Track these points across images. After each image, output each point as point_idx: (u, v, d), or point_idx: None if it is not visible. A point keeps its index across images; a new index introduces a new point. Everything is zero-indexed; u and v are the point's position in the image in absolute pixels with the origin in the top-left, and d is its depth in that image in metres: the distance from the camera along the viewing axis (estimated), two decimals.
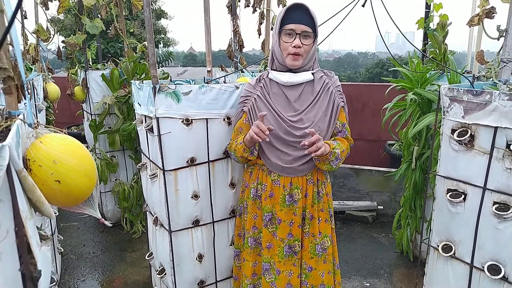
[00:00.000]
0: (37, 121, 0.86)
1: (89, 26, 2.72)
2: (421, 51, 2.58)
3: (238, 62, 2.48)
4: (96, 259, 2.89)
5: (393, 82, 2.74)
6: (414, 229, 2.72)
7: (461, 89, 1.57)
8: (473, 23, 1.91)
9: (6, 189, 0.61)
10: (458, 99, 1.58)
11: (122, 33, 2.92)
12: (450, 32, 2.45)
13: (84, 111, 3.34)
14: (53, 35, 2.91)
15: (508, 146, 1.44)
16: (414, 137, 2.58)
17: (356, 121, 4.36)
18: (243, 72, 2.46)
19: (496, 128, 1.46)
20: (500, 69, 1.61)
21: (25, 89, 0.84)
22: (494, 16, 1.85)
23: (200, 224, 1.89)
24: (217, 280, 2.02)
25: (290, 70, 1.61)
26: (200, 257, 1.92)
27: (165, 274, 1.96)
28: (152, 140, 1.82)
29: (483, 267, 1.56)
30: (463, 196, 1.62)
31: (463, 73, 2.44)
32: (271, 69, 1.67)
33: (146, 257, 2.16)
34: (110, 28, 2.99)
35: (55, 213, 1.95)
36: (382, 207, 3.57)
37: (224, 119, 1.81)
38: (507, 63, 1.56)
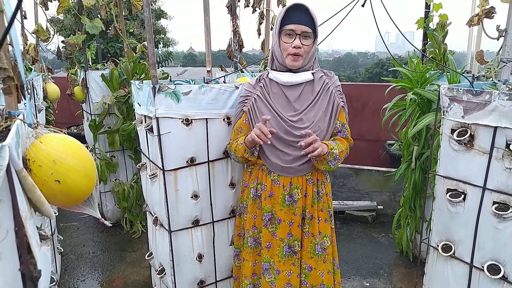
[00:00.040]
0: (37, 121, 0.86)
1: (89, 26, 2.72)
2: (421, 51, 2.58)
3: (238, 62, 2.48)
4: (96, 259, 2.89)
5: (393, 82, 2.74)
6: (414, 229, 2.72)
7: (460, 89, 1.57)
8: (472, 23, 1.92)
9: (6, 189, 0.61)
10: (457, 99, 1.59)
11: (121, 33, 2.92)
12: (449, 32, 2.46)
13: (83, 111, 3.34)
14: (53, 35, 2.91)
15: (507, 146, 1.44)
16: (414, 137, 2.58)
17: (356, 121, 4.36)
18: (243, 72, 2.46)
19: (495, 128, 1.46)
20: (499, 69, 1.61)
21: (25, 89, 0.84)
22: (493, 16, 1.85)
23: (200, 224, 1.89)
24: (217, 280, 2.02)
25: (290, 70, 1.61)
26: (200, 257, 1.92)
27: (165, 274, 1.96)
28: (152, 140, 1.82)
29: (483, 266, 1.56)
30: (462, 196, 1.62)
31: (463, 73, 2.44)
32: (271, 69, 1.67)
33: (146, 257, 2.16)
34: (110, 28, 2.99)
35: (55, 213, 1.95)
36: (382, 207, 3.57)
37: (224, 119, 1.81)
38: (506, 63, 1.56)
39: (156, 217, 1.96)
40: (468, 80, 1.76)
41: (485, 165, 1.52)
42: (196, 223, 1.88)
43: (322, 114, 1.61)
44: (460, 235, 1.66)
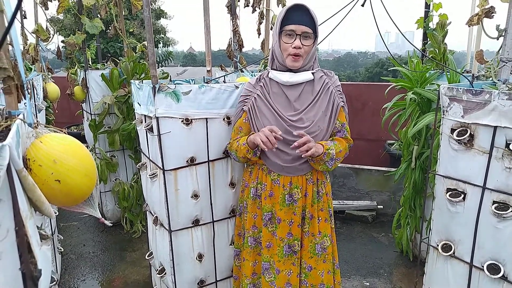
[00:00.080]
0: (37, 121, 0.86)
1: (89, 26, 2.72)
2: (421, 51, 2.58)
3: (238, 61, 2.48)
4: (96, 259, 2.89)
5: (393, 82, 2.74)
6: (413, 229, 2.73)
7: (460, 88, 1.57)
8: (472, 22, 1.92)
9: (7, 188, 0.62)
10: (457, 99, 1.59)
11: (121, 32, 2.92)
12: (449, 32, 2.46)
13: (83, 111, 3.34)
14: (53, 35, 2.91)
15: (507, 145, 1.44)
16: (414, 137, 2.58)
17: (356, 121, 4.36)
18: (243, 71, 2.46)
19: (495, 127, 1.46)
20: (499, 68, 1.61)
21: (25, 89, 0.84)
22: (493, 15, 1.85)
23: (200, 223, 1.89)
24: (217, 279, 2.02)
25: (290, 70, 1.61)
26: (200, 256, 1.92)
27: (165, 273, 1.96)
28: (152, 139, 1.82)
29: (483, 266, 1.56)
30: (462, 195, 1.62)
31: (463, 72, 2.44)
32: (271, 69, 1.67)
33: (146, 257, 2.16)
34: (110, 28, 2.99)
35: (55, 213, 1.95)
36: (381, 206, 3.57)
37: (224, 119, 1.81)
38: (506, 63, 1.56)
39: (156, 216, 1.96)
40: (468, 79, 1.76)
41: (485, 164, 1.52)
42: (196, 222, 1.88)
43: (322, 114, 1.61)
44: (460, 235, 1.66)
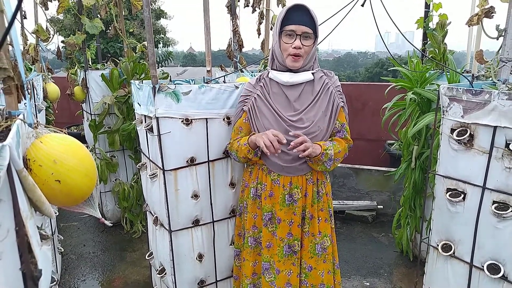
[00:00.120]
0: (37, 121, 0.86)
1: (89, 26, 2.72)
2: (421, 51, 2.58)
3: (238, 62, 2.48)
4: (96, 259, 2.89)
5: (393, 82, 2.74)
6: (413, 229, 2.73)
7: (460, 88, 1.58)
8: (472, 22, 1.92)
9: (7, 188, 0.62)
10: (457, 99, 1.59)
11: (121, 33, 2.92)
12: (449, 32, 2.46)
13: (83, 111, 3.34)
14: (53, 35, 2.91)
15: (507, 145, 1.44)
16: (414, 137, 2.58)
17: (356, 121, 4.36)
18: (243, 72, 2.46)
19: (495, 127, 1.46)
20: (499, 68, 1.61)
21: (25, 89, 0.84)
22: (493, 15, 1.85)
23: (200, 223, 1.89)
24: (217, 279, 2.03)
25: (290, 70, 1.61)
26: (200, 256, 1.92)
27: (165, 273, 1.96)
28: (152, 140, 1.82)
29: (483, 266, 1.56)
30: (462, 195, 1.62)
31: (463, 72, 2.44)
32: (271, 69, 1.67)
33: (146, 257, 2.16)
34: (110, 28, 2.99)
35: (55, 213, 1.96)
36: (382, 206, 3.57)
37: (223, 119, 1.81)
38: (506, 63, 1.56)
39: (156, 217, 1.96)
40: (468, 79, 1.76)
41: (484, 164, 1.52)
42: (196, 222, 1.88)
43: (322, 114, 1.61)
44: (460, 235, 1.66)
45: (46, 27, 2.84)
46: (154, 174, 1.85)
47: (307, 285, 1.69)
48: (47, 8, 2.83)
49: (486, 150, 1.51)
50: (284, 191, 1.63)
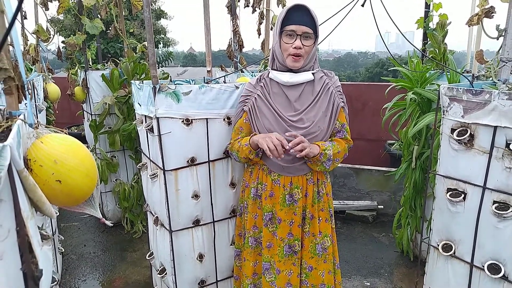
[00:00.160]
0: (38, 121, 0.87)
1: (89, 27, 2.73)
2: (421, 51, 2.58)
3: (238, 62, 2.49)
4: (96, 259, 2.89)
5: (393, 82, 2.74)
6: (414, 229, 2.73)
7: (460, 88, 1.58)
8: (472, 22, 1.92)
9: (8, 189, 0.62)
10: (457, 99, 1.59)
11: (122, 33, 2.93)
12: (449, 32, 2.46)
13: (84, 111, 3.34)
14: (53, 36, 2.91)
15: (507, 145, 1.44)
16: (414, 137, 2.58)
17: (356, 121, 4.36)
18: (243, 72, 2.46)
19: (495, 127, 1.46)
20: (499, 68, 1.61)
21: (26, 89, 0.84)
22: (493, 15, 1.85)
23: (200, 223, 1.89)
24: (218, 279, 2.03)
25: (291, 70, 1.61)
26: (201, 256, 1.92)
27: (166, 273, 1.96)
28: (152, 140, 1.82)
29: (483, 266, 1.56)
30: (463, 195, 1.62)
31: (463, 72, 2.44)
32: (272, 69, 1.67)
33: (146, 257, 2.16)
34: (110, 28, 3.00)
35: (56, 213, 1.95)
36: (382, 206, 3.57)
37: (224, 119, 1.81)
38: (506, 63, 1.56)
39: (157, 217, 1.96)
40: (468, 79, 1.76)
41: (485, 164, 1.52)
42: (196, 223, 1.88)
43: (322, 114, 1.61)
44: (460, 235, 1.66)
45: (47, 28, 2.84)
46: (155, 174, 1.86)
47: (308, 285, 1.69)
48: (47, 9, 2.84)
49: (486, 150, 1.51)
50: (284, 191, 1.63)
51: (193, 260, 1.91)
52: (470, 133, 1.55)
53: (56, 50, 3.17)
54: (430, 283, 1.86)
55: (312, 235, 1.67)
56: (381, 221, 3.48)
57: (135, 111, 1.99)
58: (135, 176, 3.22)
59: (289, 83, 1.61)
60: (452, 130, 1.62)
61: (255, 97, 1.67)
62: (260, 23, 2.62)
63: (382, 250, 3.01)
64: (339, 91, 1.68)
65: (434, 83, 2.47)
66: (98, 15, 3.00)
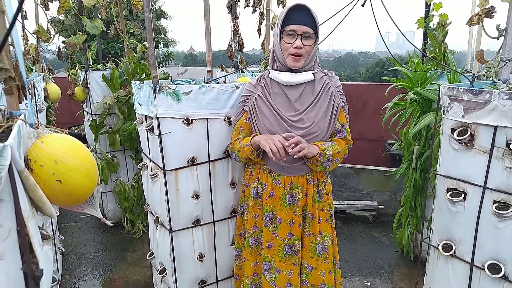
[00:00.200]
0: (38, 121, 0.87)
1: (89, 27, 2.73)
2: (421, 51, 2.58)
3: (238, 62, 2.49)
4: (97, 259, 2.89)
5: (393, 82, 2.74)
6: (414, 228, 2.73)
7: (461, 88, 1.58)
8: (472, 22, 1.92)
9: (8, 189, 0.62)
10: (458, 99, 1.59)
11: (122, 33, 2.93)
12: (450, 32, 2.46)
13: (84, 111, 3.34)
14: (54, 36, 2.91)
15: (508, 145, 1.44)
16: (414, 137, 2.58)
17: (357, 121, 4.36)
18: (243, 72, 2.46)
19: (496, 127, 1.46)
20: (500, 68, 1.61)
21: (26, 89, 0.84)
22: (493, 15, 1.85)
23: (201, 223, 1.89)
24: (218, 279, 2.03)
25: (291, 70, 1.61)
26: (201, 256, 1.92)
27: (166, 273, 1.96)
28: (152, 140, 1.82)
29: (483, 266, 1.56)
30: (463, 195, 1.62)
31: (463, 72, 2.44)
32: (272, 69, 1.67)
33: (147, 257, 2.16)
34: (110, 28, 3.00)
35: (56, 213, 1.96)
36: (382, 206, 3.57)
37: (224, 119, 1.81)
38: (506, 62, 1.56)
39: (157, 217, 1.96)
40: (468, 79, 1.76)
41: (485, 164, 1.52)
42: (197, 222, 1.88)
43: (322, 114, 1.61)
44: (460, 235, 1.66)
45: (47, 28, 2.84)
46: (155, 174, 1.86)
47: (308, 285, 1.69)
48: (47, 9, 2.84)
49: (486, 150, 1.51)
50: (284, 191, 1.63)
51: (193, 260, 1.91)
52: (471, 133, 1.55)
53: (57, 50, 3.17)
54: (430, 283, 1.86)
55: (312, 235, 1.67)
56: (381, 221, 3.48)
57: (136, 111, 1.99)
58: (136, 176, 3.22)
59: (290, 83, 1.61)
60: (453, 130, 1.62)
61: (255, 97, 1.67)
62: (261, 23, 2.62)
63: (382, 250, 3.01)
64: (339, 91, 1.68)
65: (434, 83, 2.46)
66: (99, 15, 3.01)
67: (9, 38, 0.74)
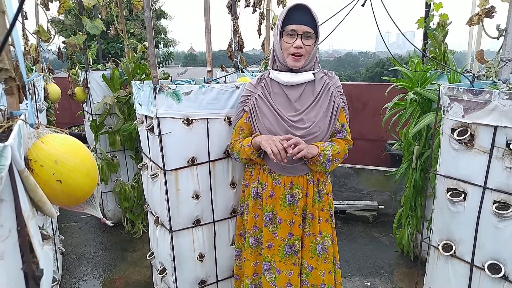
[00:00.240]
0: (39, 122, 0.87)
1: (90, 27, 2.73)
2: (421, 51, 2.58)
3: (239, 62, 2.49)
4: (97, 259, 2.90)
5: (394, 82, 2.74)
6: (414, 229, 2.73)
7: (461, 88, 1.58)
8: (473, 22, 1.92)
9: (9, 188, 0.62)
10: (458, 99, 1.59)
11: (122, 33, 2.93)
12: (450, 32, 2.46)
13: (84, 112, 3.34)
14: (54, 36, 2.92)
15: (508, 145, 1.44)
16: (415, 137, 2.58)
17: (357, 121, 4.36)
18: (243, 72, 2.46)
19: (496, 127, 1.46)
20: (500, 68, 1.61)
21: (27, 89, 0.84)
22: (493, 15, 1.85)
23: (201, 223, 1.89)
24: (218, 279, 2.03)
25: (291, 70, 1.62)
26: (201, 256, 1.92)
27: (166, 273, 1.96)
28: (152, 140, 1.82)
29: (484, 266, 1.56)
30: (463, 195, 1.62)
31: (463, 72, 2.44)
32: (272, 69, 1.67)
33: (147, 257, 2.16)
34: (111, 28, 3.00)
35: (56, 213, 1.96)
36: (382, 206, 3.57)
37: (224, 119, 1.81)
38: (506, 62, 1.57)
39: (157, 217, 1.96)
40: (468, 79, 1.76)
41: (485, 164, 1.52)
42: (197, 222, 1.88)
43: (322, 114, 1.61)
44: (460, 235, 1.66)
45: (47, 28, 2.84)
46: (155, 174, 1.86)
47: (308, 285, 1.69)
48: (48, 9, 2.84)
49: (486, 150, 1.51)
50: (285, 191, 1.63)
51: (193, 260, 1.91)
52: (471, 133, 1.55)
53: (57, 50, 3.17)
54: (430, 283, 1.86)
55: (312, 235, 1.67)
56: (381, 221, 3.48)
57: (136, 111, 1.99)
58: (136, 176, 3.22)
59: (290, 83, 1.61)
60: (453, 130, 1.62)
61: (255, 97, 1.67)
62: (261, 23, 2.62)
63: (382, 250, 3.01)
64: (339, 91, 1.68)
65: (434, 83, 2.47)
66: (99, 15, 3.01)
67: (10, 38, 0.74)
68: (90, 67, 3.12)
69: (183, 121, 1.72)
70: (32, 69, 2.87)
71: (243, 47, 2.49)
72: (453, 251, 1.69)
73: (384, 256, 2.91)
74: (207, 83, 1.87)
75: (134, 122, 2.32)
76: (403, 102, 2.61)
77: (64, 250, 2.79)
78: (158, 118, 1.69)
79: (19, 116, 0.79)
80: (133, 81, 1.98)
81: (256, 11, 2.58)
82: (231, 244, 2.00)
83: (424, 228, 2.42)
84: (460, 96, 1.57)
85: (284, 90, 1.64)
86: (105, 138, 3.12)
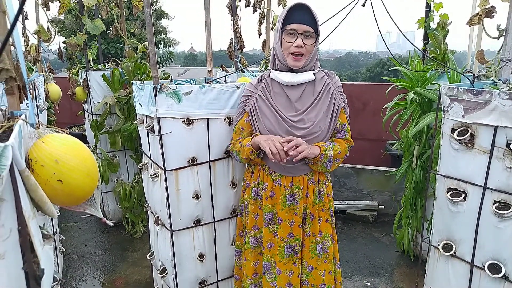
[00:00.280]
0: (39, 121, 0.87)
1: (90, 27, 2.73)
2: (422, 51, 2.58)
3: (239, 62, 2.49)
4: (97, 259, 2.90)
5: (394, 82, 2.74)
6: (415, 229, 2.73)
7: (461, 88, 1.58)
8: (473, 22, 1.92)
9: (9, 188, 0.62)
10: (458, 99, 1.59)
11: (122, 33, 2.93)
12: (450, 32, 2.46)
13: (85, 111, 3.35)
14: (54, 36, 2.92)
15: (508, 145, 1.44)
16: (415, 137, 2.58)
17: (357, 121, 4.36)
18: (244, 72, 2.46)
19: (496, 127, 1.46)
20: (500, 68, 1.61)
21: (27, 89, 0.84)
22: (494, 15, 1.85)
23: (201, 223, 1.89)
24: (219, 279, 2.03)
25: (292, 70, 1.62)
26: (202, 256, 1.92)
27: (167, 273, 1.96)
28: (153, 140, 1.83)
29: (484, 266, 1.56)
30: (463, 195, 1.62)
31: (463, 72, 2.44)
32: (273, 69, 1.67)
33: (147, 257, 2.16)
34: (111, 28, 3.00)
35: (57, 213, 1.96)
36: (383, 206, 3.57)
37: (224, 119, 1.81)
38: (507, 62, 1.57)
39: (158, 217, 1.96)
40: (469, 79, 1.77)
41: (485, 164, 1.52)
42: (197, 222, 1.88)
43: (323, 114, 1.61)
44: (461, 235, 1.66)
45: (48, 28, 2.84)
46: (155, 174, 1.86)
47: (308, 285, 1.69)
48: (48, 9, 2.84)
49: (487, 150, 1.51)
50: (285, 191, 1.63)
51: (193, 260, 1.91)
52: (471, 133, 1.55)
53: (57, 50, 3.18)
54: (430, 283, 1.86)
55: (312, 235, 1.68)
56: (381, 221, 3.48)
57: (136, 111, 1.99)
58: (136, 176, 3.22)
59: (290, 83, 1.61)
60: (453, 130, 1.62)
61: (256, 97, 1.67)
62: (261, 23, 2.62)
63: (382, 250, 3.01)
64: (340, 91, 1.68)
65: (434, 83, 2.47)
66: (99, 15, 3.01)
67: (10, 38, 0.74)
68: (91, 67, 3.12)
69: (183, 121, 1.72)
70: (32, 69, 2.87)
71: (244, 47, 2.49)
72: (453, 251, 1.69)
73: (385, 256, 2.91)
74: (208, 83, 1.87)
75: (135, 122, 2.32)
76: (403, 102, 2.61)
77: (64, 250, 2.80)
78: (158, 118, 1.69)
79: (20, 116, 0.79)
80: (133, 81, 1.98)
81: (256, 11, 2.58)
82: (232, 244, 2.01)
83: (425, 228, 2.42)
84: (460, 96, 1.57)
85: (284, 90, 1.64)
86: (105, 138, 3.12)
